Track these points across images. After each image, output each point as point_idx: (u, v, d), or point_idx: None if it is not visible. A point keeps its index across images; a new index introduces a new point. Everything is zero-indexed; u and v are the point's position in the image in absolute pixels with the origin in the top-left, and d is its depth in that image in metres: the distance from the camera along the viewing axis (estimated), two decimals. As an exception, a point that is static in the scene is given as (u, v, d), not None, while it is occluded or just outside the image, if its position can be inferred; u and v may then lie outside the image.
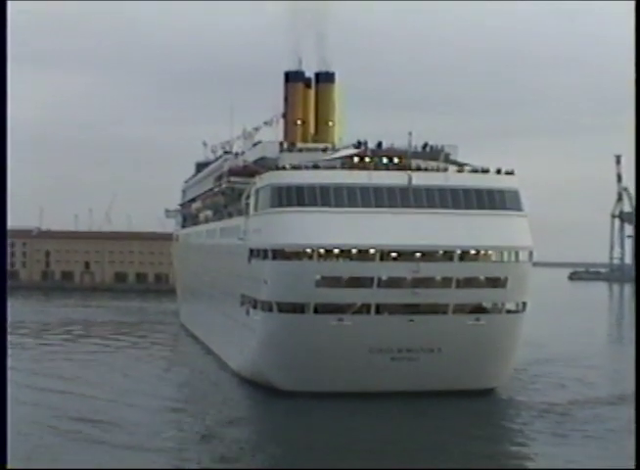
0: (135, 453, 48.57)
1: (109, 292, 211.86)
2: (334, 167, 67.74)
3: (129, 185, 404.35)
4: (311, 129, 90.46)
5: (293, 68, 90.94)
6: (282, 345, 65.47)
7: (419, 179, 65.72)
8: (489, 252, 66.53)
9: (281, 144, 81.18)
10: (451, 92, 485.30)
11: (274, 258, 65.32)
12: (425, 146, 73.66)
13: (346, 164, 68.99)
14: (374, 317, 63.78)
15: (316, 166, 67.91)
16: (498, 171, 69.69)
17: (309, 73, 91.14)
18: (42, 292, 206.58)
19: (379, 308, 63.87)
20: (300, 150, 78.73)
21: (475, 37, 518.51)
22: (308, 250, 63.88)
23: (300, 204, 64.94)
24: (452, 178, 66.96)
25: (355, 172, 66.56)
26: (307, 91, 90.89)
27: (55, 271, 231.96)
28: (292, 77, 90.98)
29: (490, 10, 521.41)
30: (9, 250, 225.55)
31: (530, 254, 67.30)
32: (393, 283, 63.43)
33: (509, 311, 66.68)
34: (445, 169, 68.12)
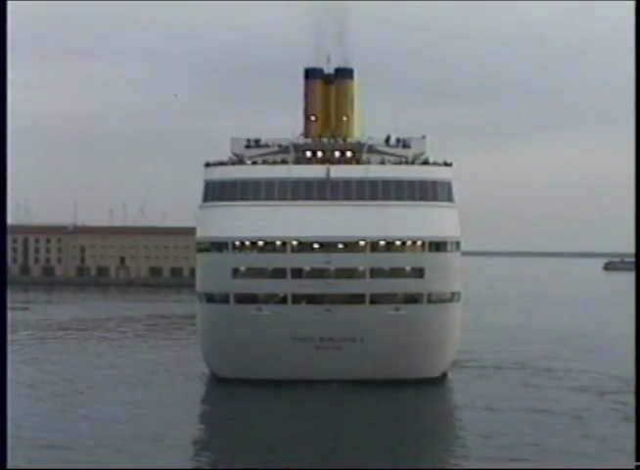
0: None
1: (144, 287, 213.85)
2: (256, 163, 69.61)
3: (163, 179, 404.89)
4: (332, 124, 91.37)
5: (313, 64, 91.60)
6: (213, 333, 67.88)
7: (337, 172, 67.10)
8: (408, 242, 67.39)
9: (248, 140, 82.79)
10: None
11: (199, 251, 67.73)
12: (387, 139, 75.05)
13: (302, 159, 70.78)
14: (291, 307, 65.41)
15: (241, 162, 69.85)
16: (441, 164, 70.80)
17: (329, 70, 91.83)
18: (78, 288, 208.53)
19: (296, 298, 65.42)
20: (268, 145, 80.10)
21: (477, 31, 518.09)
22: (230, 243, 65.91)
23: (221, 198, 67.38)
24: (372, 170, 68.14)
25: (276, 167, 68.46)
26: (327, 87, 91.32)
27: (90, 267, 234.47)
28: (311, 74, 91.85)
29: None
30: (44, 246, 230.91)
31: (457, 244, 68.05)
32: (307, 274, 65.02)
33: (431, 301, 67.12)
34: (368, 161, 69.41)
